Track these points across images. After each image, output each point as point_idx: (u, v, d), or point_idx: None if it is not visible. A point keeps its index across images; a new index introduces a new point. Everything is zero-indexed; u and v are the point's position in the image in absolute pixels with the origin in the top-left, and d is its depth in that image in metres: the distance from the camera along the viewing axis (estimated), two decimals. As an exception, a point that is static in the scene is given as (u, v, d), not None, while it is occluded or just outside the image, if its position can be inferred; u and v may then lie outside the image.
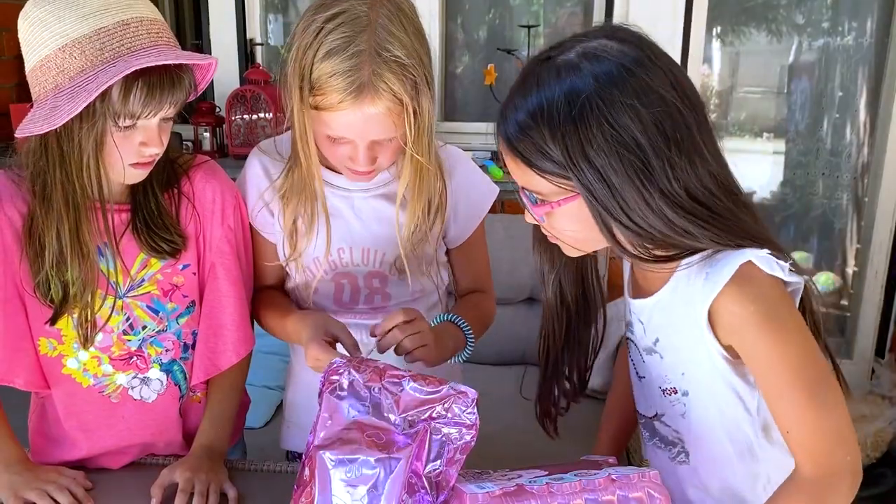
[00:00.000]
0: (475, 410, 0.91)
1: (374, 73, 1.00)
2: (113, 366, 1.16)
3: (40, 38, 0.98)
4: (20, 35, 1.02)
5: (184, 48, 1.06)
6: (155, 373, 1.19)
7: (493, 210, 2.30)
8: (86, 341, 1.12)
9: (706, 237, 0.87)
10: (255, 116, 2.52)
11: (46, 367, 1.16)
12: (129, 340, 1.16)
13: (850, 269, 2.74)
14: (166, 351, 1.19)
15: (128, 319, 1.15)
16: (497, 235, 2.18)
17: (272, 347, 1.72)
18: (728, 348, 0.92)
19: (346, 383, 0.93)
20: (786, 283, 0.89)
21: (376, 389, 0.93)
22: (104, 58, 0.95)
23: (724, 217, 0.88)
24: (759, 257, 0.87)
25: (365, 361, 0.97)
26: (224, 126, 2.60)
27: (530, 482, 0.89)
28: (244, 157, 2.51)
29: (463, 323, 1.17)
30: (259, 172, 1.21)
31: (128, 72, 0.94)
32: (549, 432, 1.14)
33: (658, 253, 0.90)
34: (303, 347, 1.07)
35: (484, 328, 1.28)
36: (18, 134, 0.99)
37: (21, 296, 1.10)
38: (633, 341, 1.05)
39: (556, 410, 1.12)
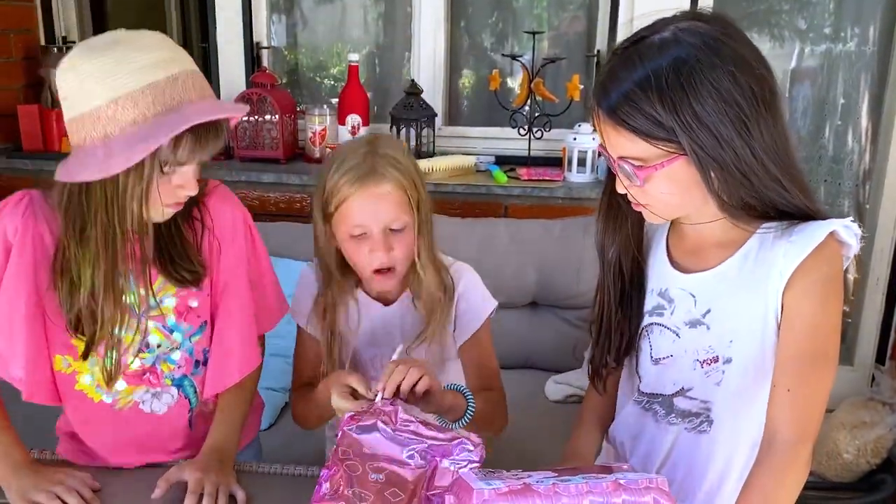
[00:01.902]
0: (479, 453, 1.02)
1: (376, 163, 1.23)
2: (126, 381, 1.22)
3: (91, 90, 1.02)
4: (64, 84, 1.05)
5: (190, 52, 1.10)
6: (166, 388, 1.25)
7: (497, 214, 2.36)
8: (109, 381, 1.20)
9: (796, 192, 0.99)
10: (261, 119, 2.53)
11: (60, 383, 1.21)
12: (143, 358, 1.22)
13: (850, 276, 2.74)
14: (178, 367, 1.25)
15: (144, 339, 1.20)
16: (501, 240, 2.20)
17: (276, 350, 1.73)
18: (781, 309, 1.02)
19: (362, 431, 1.04)
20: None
21: (390, 430, 1.04)
22: (157, 110, 1.01)
23: (799, 174, 1.00)
24: (844, 226, 1.00)
25: (377, 408, 1.06)
26: (230, 128, 2.60)
27: (538, 482, 0.90)
28: (250, 160, 2.51)
29: (463, 388, 1.24)
30: (309, 295, 1.37)
31: (187, 126, 1.01)
32: (598, 390, 1.25)
33: (749, 201, 0.99)
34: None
35: (491, 420, 1.33)
36: (66, 179, 1.04)
37: (43, 315, 1.16)
38: (659, 324, 1.14)
39: (606, 370, 1.22)
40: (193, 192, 1.11)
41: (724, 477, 1.13)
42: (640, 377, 1.20)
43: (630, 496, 0.89)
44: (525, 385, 2.14)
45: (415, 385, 1.12)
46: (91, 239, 1.10)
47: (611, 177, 1.10)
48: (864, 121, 2.64)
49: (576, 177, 2.40)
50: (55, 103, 2.63)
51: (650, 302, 1.16)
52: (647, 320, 1.16)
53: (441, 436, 1.03)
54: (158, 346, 1.22)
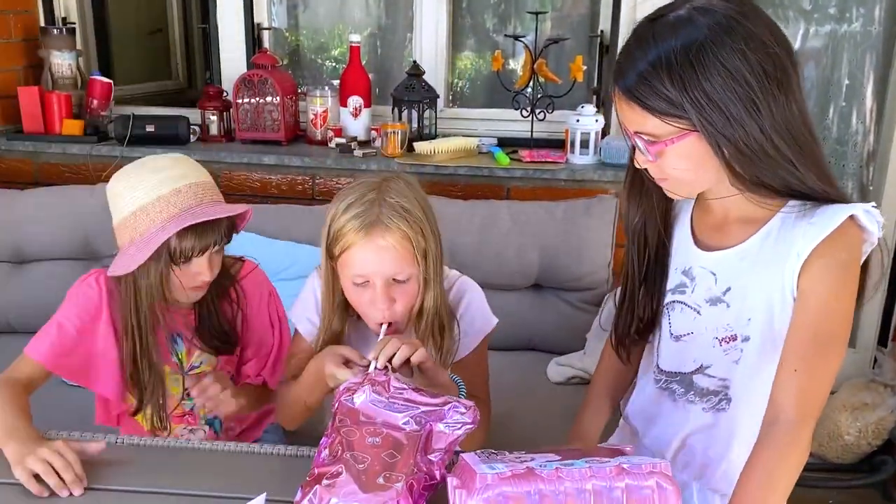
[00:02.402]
0: (472, 416, 1.03)
1: (382, 212, 1.20)
2: (172, 421, 1.50)
3: (119, 206, 1.33)
4: (109, 199, 1.36)
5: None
6: (201, 426, 1.54)
7: (499, 196, 2.36)
8: (155, 430, 1.46)
9: (810, 174, 1.00)
10: (262, 101, 2.52)
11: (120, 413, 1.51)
12: (185, 404, 1.51)
13: (878, 259, 2.73)
14: (210, 411, 1.50)
15: (185, 389, 1.48)
16: (504, 222, 2.20)
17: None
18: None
19: (358, 399, 1.05)
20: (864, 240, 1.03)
21: (385, 398, 1.05)
22: (163, 218, 1.29)
23: (816, 157, 1.01)
24: (865, 211, 1.01)
25: (371, 379, 1.08)
26: (231, 111, 2.60)
27: (540, 466, 0.91)
28: (251, 142, 2.50)
29: (452, 376, 1.25)
30: (310, 302, 1.37)
31: (174, 231, 1.28)
32: (622, 359, 1.27)
33: (764, 180, 1.00)
34: (322, 374, 1.21)
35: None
36: (110, 273, 1.35)
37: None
38: (681, 301, 1.16)
39: (629, 340, 1.24)
40: (209, 277, 1.36)
41: (743, 452, 1.11)
42: (658, 354, 1.21)
43: (633, 480, 0.90)
44: (527, 367, 2.14)
45: (408, 360, 1.14)
46: (128, 323, 1.38)
47: (631, 159, 1.10)
48: (869, 102, 2.63)
49: (578, 158, 2.38)
50: (55, 84, 2.64)
51: (673, 280, 1.17)
52: (668, 298, 1.18)
53: (433, 401, 1.04)
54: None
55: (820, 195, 1.02)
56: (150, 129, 2.53)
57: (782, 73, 0.97)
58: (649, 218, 1.17)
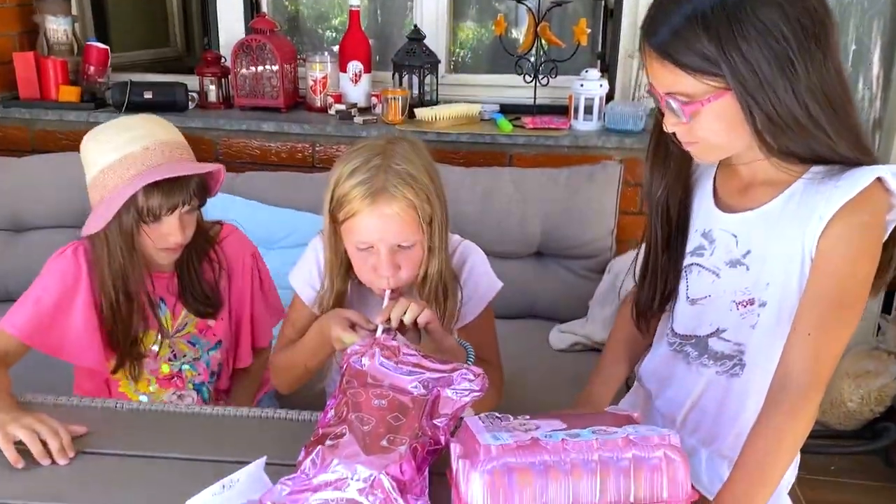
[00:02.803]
0: (480, 383, 1.02)
1: (387, 180, 1.18)
2: (159, 384, 1.50)
3: (90, 165, 1.35)
4: (82, 159, 1.38)
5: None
6: (189, 391, 1.52)
7: (501, 163, 2.34)
8: (135, 380, 1.48)
9: (843, 142, 0.98)
10: (260, 68, 2.48)
11: (110, 385, 1.50)
12: (173, 364, 1.50)
13: None
14: (198, 374, 1.52)
15: (172, 351, 1.49)
16: (506, 190, 2.17)
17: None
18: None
19: (367, 362, 1.05)
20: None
21: (393, 363, 1.04)
22: (130, 175, 1.30)
23: (851, 122, 0.99)
24: (893, 174, 0.98)
25: (379, 343, 1.07)
26: (230, 77, 2.56)
27: (546, 436, 0.89)
28: (250, 109, 2.47)
29: (461, 341, 1.24)
30: (312, 267, 1.35)
31: (140, 186, 1.28)
32: (642, 331, 1.26)
33: (794, 149, 0.98)
34: (326, 336, 1.21)
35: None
36: (83, 233, 1.36)
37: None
38: (699, 264, 1.14)
39: (650, 312, 1.22)
40: (180, 238, 1.36)
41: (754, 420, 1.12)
42: (674, 317, 1.20)
43: (640, 452, 0.88)
44: (529, 335, 2.14)
45: (415, 323, 1.13)
46: (105, 278, 1.38)
47: (659, 118, 1.08)
48: (876, 68, 2.58)
49: (582, 125, 2.35)
50: (51, 50, 2.59)
51: (692, 242, 1.16)
52: (686, 260, 1.17)
53: (442, 367, 1.04)
54: (185, 355, 1.50)
55: (852, 163, 1.00)
56: (147, 95, 2.49)
57: (820, 28, 0.94)
58: (673, 188, 1.15)
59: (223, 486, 0.98)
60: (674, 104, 0.99)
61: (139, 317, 1.43)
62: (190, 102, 2.54)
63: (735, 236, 1.10)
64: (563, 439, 0.89)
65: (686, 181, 1.17)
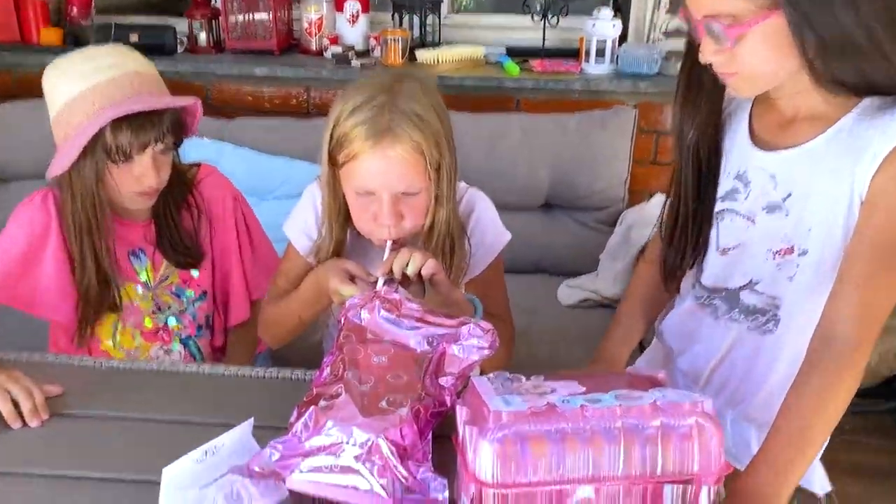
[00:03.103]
0: (490, 340, 0.95)
1: (392, 120, 1.08)
2: (144, 339, 1.41)
3: (53, 98, 1.24)
4: (45, 92, 1.27)
5: None
6: (176, 346, 1.44)
7: (508, 108, 2.24)
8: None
9: None
10: (252, 7, 2.37)
11: (90, 344, 1.39)
12: (157, 317, 1.41)
13: None
14: (184, 328, 1.44)
15: (156, 304, 1.41)
16: (513, 137, 2.11)
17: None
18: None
19: (366, 316, 0.99)
20: None
21: (395, 317, 0.98)
22: (95, 110, 1.20)
23: None
24: None
25: (380, 296, 1.00)
26: (220, 19, 2.45)
27: (563, 401, 0.80)
28: (242, 52, 2.34)
29: (468, 294, 1.17)
30: (308, 215, 1.25)
31: (106, 121, 1.18)
32: (670, 291, 1.19)
33: (846, 78, 0.90)
34: (323, 288, 1.14)
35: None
36: (47, 176, 1.26)
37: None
38: (731, 209, 1.06)
39: (680, 270, 1.15)
40: (154, 181, 1.26)
41: (787, 381, 1.04)
42: (702, 269, 1.12)
43: (669, 419, 0.79)
44: (537, 290, 2.08)
45: (419, 275, 1.07)
46: (73, 224, 1.28)
47: (688, 55, 1.02)
48: None
49: (594, 68, 2.26)
50: (29, -10, 2.47)
51: (724, 186, 1.08)
52: (718, 206, 1.09)
53: (448, 322, 0.97)
54: (169, 307, 1.42)
55: None
56: (133, 38, 2.38)
57: None
58: (703, 129, 1.07)
59: (206, 453, 0.90)
60: (716, 28, 0.91)
61: (114, 268, 1.33)
62: (179, 46, 2.47)
63: (773, 177, 1.02)
64: (582, 405, 0.80)
65: (717, 120, 1.08)
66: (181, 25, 2.49)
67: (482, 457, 0.78)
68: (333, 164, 1.14)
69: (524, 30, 2.44)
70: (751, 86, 0.98)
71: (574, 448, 0.78)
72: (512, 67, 2.25)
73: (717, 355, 1.12)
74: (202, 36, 2.47)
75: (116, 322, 1.39)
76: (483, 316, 1.20)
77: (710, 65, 0.96)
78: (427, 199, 1.14)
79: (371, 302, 1.00)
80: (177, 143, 1.32)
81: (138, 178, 1.26)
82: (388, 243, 1.14)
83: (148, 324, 1.41)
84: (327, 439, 0.86)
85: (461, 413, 0.86)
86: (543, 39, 2.37)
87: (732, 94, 1.01)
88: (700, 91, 1.05)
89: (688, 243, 1.12)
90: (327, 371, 0.96)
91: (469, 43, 2.43)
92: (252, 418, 0.94)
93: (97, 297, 1.33)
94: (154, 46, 2.36)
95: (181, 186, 1.39)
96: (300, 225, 1.27)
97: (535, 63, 2.29)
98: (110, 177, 1.25)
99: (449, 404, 0.93)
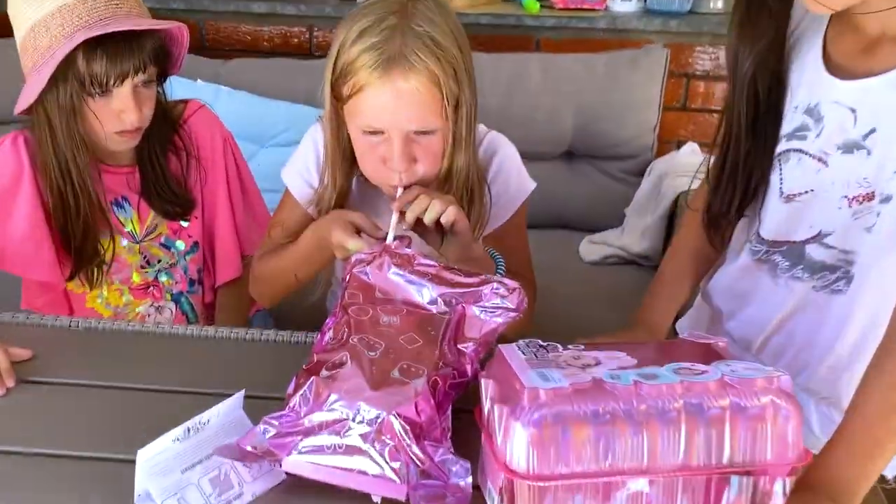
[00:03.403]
0: (517, 300, 0.85)
1: (405, 44, 0.95)
2: (133, 295, 1.32)
3: (19, 22, 1.12)
4: (10, 17, 1.15)
5: None
6: (167, 303, 1.34)
7: (527, 48, 2.10)
8: (91, 286, 1.27)
9: None
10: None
11: (73, 301, 1.30)
12: (146, 272, 1.32)
13: None
14: (175, 283, 1.34)
15: (144, 257, 1.31)
16: (534, 79, 1.98)
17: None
18: None
19: (374, 272, 0.90)
20: None
21: (407, 273, 0.89)
22: (65, 32, 1.08)
23: None
24: None
25: (390, 250, 0.91)
26: (216, -49, 2.29)
27: (612, 377, 0.68)
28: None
29: (490, 250, 1.07)
30: (309, 158, 1.14)
31: (75, 43, 1.06)
32: (715, 246, 1.08)
33: None
34: (325, 242, 1.02)
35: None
36: (16, 111, 1.15)
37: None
38: (799, 150, 0.95)
39: (726, 219, 1.04)
40: (135, 116, 1.15)
41: (859, 350, 0.95)
42: (760, 219, 1.00)
43: (739, 398, 0.67)
44: (557, 246, 1.96)
45: (438, 223, 0.97)
46: (50, 166, 1.17)
47: None
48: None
49: (620, 5, 2.14)
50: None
51: (790, 122, 0.96)
52: (781, 146, 0.96)
53: (468, 280, 0.87)
54: (159, 261, 1.32)
55: None
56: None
57: None
58: (764, 57, 0.95)
59: (188, 430, 0.79)
60: None
61: (95, 217, 1.22)
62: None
63: (853, 111, 0.90)
64: (635, 381, 0.67)
65: (780, 47, 0.96)
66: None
67: (515, 443, 0.67)
68: (337, 98, 1.02)
69: (544, -36, 2.31)
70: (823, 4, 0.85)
71: (625, 433, 0.67)
72: (531, 4, 2.14)
73: (776, 319, 1.01)
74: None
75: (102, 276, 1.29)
76: (504, 274, 1.07)
77: None
78: (443, 140, 1.02)
79: (380, 257, 0.91)
80: (162, 77, 1.21)
81: (118, 115, 1.15)
82: (399, 191, 1.02)
83: (136, 279, 1.31)
84: (330, 415, 0.76)
85: (487, 387, 0.74)
86: (565, -26, 2.23)
87: (811, 8, 0.87)
88: (762, 10, 0.94)
89: (736, 189, 1.01)
90: (329, 335, 0.85)
91: (484, -23, 2.31)
92: (243, 390, 0.83)
93: (91, 245, 1.22)
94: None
95: (167, 126, 1.27)
96: (299, 170, 1.14)
97: None
98: (88, 112, 1.14)
99: (470, 374, 0.83)
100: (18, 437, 0.87)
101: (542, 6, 2.16)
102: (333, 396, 0.76)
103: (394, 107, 0.97)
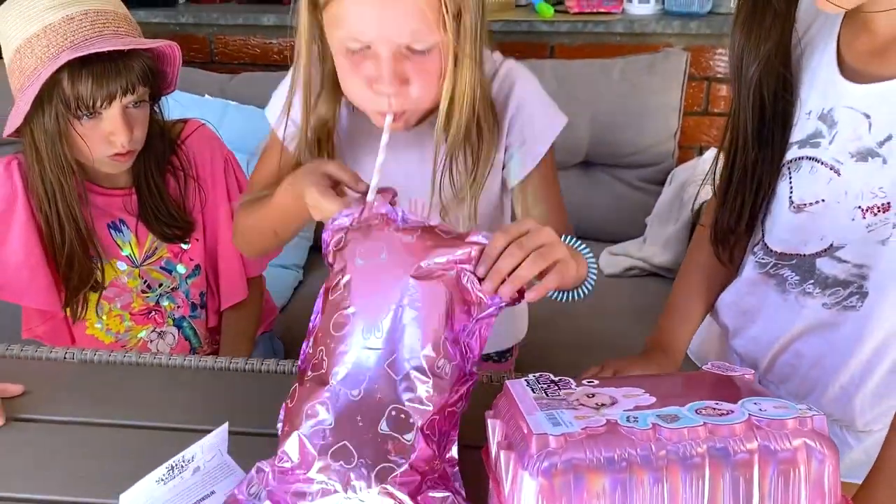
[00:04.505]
0: None
1: None
2: (134, 321, 1.29)
3: (5, 44, 1.10)
4: None
5: None
6: (169, 328, 1.31)
7: (541, 55, 2.06)
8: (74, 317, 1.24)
9: None
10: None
11: (73, 329, 1.27)
12: (147, 297, 1.28)
13: None
14: (177, 307, 1.31)
15: (145, 281, 1.27)
16: (548, 86, 1.79)
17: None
18: None
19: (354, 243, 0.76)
20: None
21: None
22: (50, 53, 1.05)
23: None
24: None
25: (374, 211, 0.77)
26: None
27: (628, 419, 0.62)
28: (248, 1, 2.11)
29: (583, 247, 0.89)
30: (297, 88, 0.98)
31: (57, 65, 1.03)
32: (722, 260, 1.03)
33: None
34: (301, 200, 0.88)
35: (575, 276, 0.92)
36: (4, 134, 1.13)
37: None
38: (811, 157, 0.90)
39: (734, 235, 1.00)
40: (125, 138, 1.12)
41: (871, 369, 0.92)
42: (767, 229, 0.96)
43: (769, 442, 0.60)
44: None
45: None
46: (49, 191, 1.14)
47: None
48: None
49: (637, 7, 2.10)
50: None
51: (802, 129, 0.91)
52: (792, 153, 0.92)
53: (456, 249, 0.73)
54: (160, 285, 1.29)
55: None
56: (130, -14, 2.20)
57: None
58: (770, 60, 0.91)
59: (171, 469, 0.75)
60: None
61: (84, 244, 1.19)
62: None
63: (868, 117, 0.85)
64: (654, 424, 0.61)
65: (786, 51, 0.92)
66: (184, -27, 2.37)
67: (523, 493, 0.61)
68: (314, 5, 0.88)
69: (558, -33, 2.28)
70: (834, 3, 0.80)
71: (643, 481, 0.60)
72: (545, 9, 2.11)
73: (784, 337, 0.97)
74: (207, -16, 2.33)
75: (100, 302, 1.26)
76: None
77: None
78: (441, 58, 0.86)
79: (361, 220, 0.77)
80: (155, 96, 1.18)
81: (107, 137, 1.12)
82: (388, 119, 0.87)
83: (137, 304, 1.28)
84: (317, 485, 0.68)
85: (495, 429, 0.68)
86: (580, -23, 2.20)
87: (822, 7, 0.82)
88: (767, 11, 0.90)
89: (745, 201, 0.97)
90: (308, 348, 0.75)
91: (497, -17, 2.27)
92: (226, 423, 0.79)
93: (77, 274, 1.19)
94: (154, -4, 2.28)
95: (164, 146, 1.23)
96: (283, 104, 1.00)
97: (570, 4, 2.13)
98: (76, 135, 1.11)
99: (477, 353, 0.74)
100: (4, 479, 0.82)
101: (556, 11, 2.13)
102: (318, 464, 0.68)
103: (381, 15, 0.82)
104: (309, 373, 0.73)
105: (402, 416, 0.69)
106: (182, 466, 0.75)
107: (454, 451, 0.73)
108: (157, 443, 0.87)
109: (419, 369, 0.70)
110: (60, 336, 1.26)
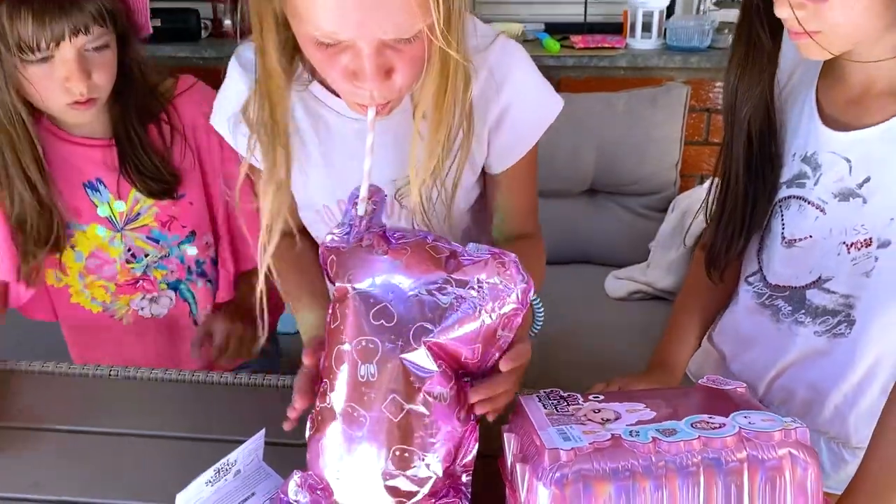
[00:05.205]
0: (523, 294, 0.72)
1: None
2: (121, 291, 1.22)
3: None
4: None
5: None
6: (163, 291, 1.24)
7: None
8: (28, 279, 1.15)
9: None
10: None
11: (54, 297, 1.22)
12: (133, 268, 1.20)
13: None
14: (171, 272, 1.23)
15: (129, 250, 1.19)
16: (555, 119, 1.93)
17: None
18: None
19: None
20: None
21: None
22: None
23: None
24: None
25: (363, 232, 0.76)
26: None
27: (631, 434, 0.69)
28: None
29: (536, 301, 0.91)
30: (233, 89, 0.94)
31: None
32: (713, 280, 1.06)
33: None
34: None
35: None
36: None
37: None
38: (799, 197, 0.95)
39: (726, 259, 1.03)
40: (80, 83, 1.02)
41: (861, 392, 0.96)
42: (763, 263, 1.01)
43: (757, 452, 0.68)
44: (583, 281, 1.98)
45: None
46: (4, 145, 1.06)
47: (745, 13, 0.91)
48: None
49: (640, 43, 2.15)
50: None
51: (790, 170, 0.96)
52: (783, 192, 0.97)
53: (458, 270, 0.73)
54: (146, 255, 1.21)
55: None
56: (155, 23, 2.27)
57: None
58: (759, 103, 0.95)
59: (217, 472, 0.81)
60: None
61: (61, 203, 1.11)
62: (203, 31, 2.37)
63: (848, 161, 0.90)
64: (654, 438, 0.68)
65: (772, 94, 0.96)
66: (205, 9, 2.39)
67: (538, 501, 0.68)
68: None
69: (564, 4, 2.34)
70: (830, 46, 0.84)
71: (645, 489, 0.67)
72: (552, 44, 2.14)
73: (780, 363, 1.01)
74: (227, 20, 2.37)
75: (82, 272, 1.20)
76: (510, 232, 0.97)
77: (783, 21, 0.84)
78: (424, 44, 0.74)
79: (353, 235, 0.75)
80: (121, 39, 1.07)
81: (62, 83, 1.02)
82: (371, 114, 0.78)
83: (122, 277, 1.21)
84: None
85: (510, 442, 0.75)
86: (585, 13, 2.26)
87: (802, 55, 0.88)
88: (759, 57, 0.93)
89: (736, 228, 1.01)
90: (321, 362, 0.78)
91: (505, 19, 2.31)
92: (263, 430, 0.84)
93: (34, 229, 1.11)
94: (177, 31, 2.29)
95: (149, 99, 1.14)
96: (225, 108, 0.92)
97: (576, 39, 2.18)
98: (25, 80, 1.02)
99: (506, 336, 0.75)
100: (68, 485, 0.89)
101: (562, 46, 2.16)
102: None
103: (360, 15, 0.69)
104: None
105: (416, 454, 0.75)
106: (226, 469, 0.81)
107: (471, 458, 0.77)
108: (193, 453, 0.93)
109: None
110: (42, 305, 1.21)
